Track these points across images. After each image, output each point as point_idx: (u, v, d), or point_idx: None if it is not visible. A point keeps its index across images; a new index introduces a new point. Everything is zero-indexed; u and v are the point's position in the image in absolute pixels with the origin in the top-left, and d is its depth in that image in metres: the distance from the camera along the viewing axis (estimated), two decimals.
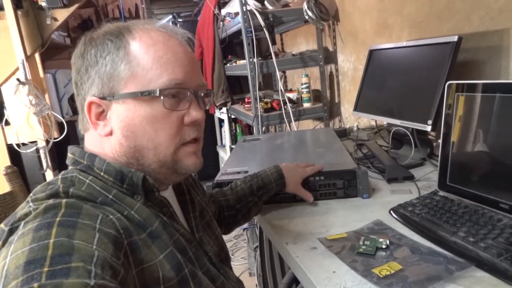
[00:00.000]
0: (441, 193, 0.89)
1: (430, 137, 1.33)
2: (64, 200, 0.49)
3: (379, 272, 0.64)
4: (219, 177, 1.07)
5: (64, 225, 0.45)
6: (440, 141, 0.93)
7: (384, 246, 0.72)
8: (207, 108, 0.65)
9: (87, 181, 0.55)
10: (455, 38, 1.05)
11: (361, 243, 0.73)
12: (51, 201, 0.49)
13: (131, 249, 0.50)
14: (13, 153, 2.15)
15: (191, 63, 0.61)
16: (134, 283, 0.49)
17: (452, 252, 0.67)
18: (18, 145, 2.10)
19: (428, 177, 1.08)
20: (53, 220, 0.45)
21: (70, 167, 0.59)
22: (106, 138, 0.58)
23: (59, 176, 0.56)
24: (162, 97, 0.56)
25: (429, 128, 1.08)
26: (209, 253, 0.66)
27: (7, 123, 2.15)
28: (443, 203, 0.84)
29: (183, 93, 0.59)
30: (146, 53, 0.57)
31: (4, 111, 2.12)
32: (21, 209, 0.49)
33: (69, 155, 0.60)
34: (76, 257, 0.41)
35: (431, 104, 1.07)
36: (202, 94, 0.62)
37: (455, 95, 0.88)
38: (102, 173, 0.56)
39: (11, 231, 0.46)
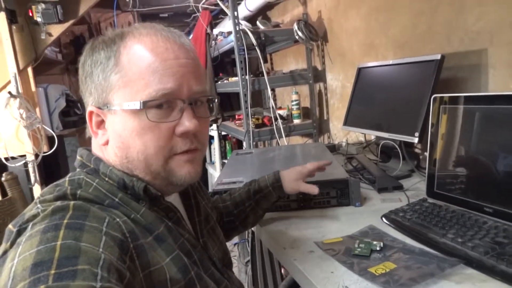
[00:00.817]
0: (430, 200, 0.94)
1: (416, 150, 1.39)
2: (72, 202, 0.49)
3: (375, 271, 0.67)
4: (215, 187, 1.10)
5: (71, 227, 0.45)
6: (426, 153, 0.99)
7: (378, 248, 0.75)
8: (211, 115, 0.64)
9: (94, 183, 0.56)
10: (438, 56, 1.12)
11: (356, 245, 0.76)
12: (58, 203, 0.49)
13: (137, 253, 0.50)
14: (0, 167, 2.12)
15: (184, 70, 0.57)
16: (142, 287, 0.49)
17: (442, 252, 0.71)
18: (6, 158, 2.07)
19: (416, 187, 1.13)
20: (60, 222, 0.45)
21: (77, 170, 0.60)
22: (104, 147, 0.59)
23: (67, 178, 0.57)
24: (145, 110, 0.54)
25: (416, 140, 1.14)
26: (213, 258, 0.67)
27: None
28: (432, 208, 0.88)
29: (173, 103, 0.57)
30: (135, 62, 0.55)
31: None
32: (29, 211, 0.49)
33: (77, 157, 0.61)
34: (82, 260, 0.41)
35: (417, 117, 1.13)
36: (200, 102, 0.60)
37: (439, 108, 0.94)
38: (106, 178, 0.57)
39: (19, 233, 0.46)
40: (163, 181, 0.59)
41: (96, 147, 0.62)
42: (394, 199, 1.06)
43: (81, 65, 0.60)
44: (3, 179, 0.84)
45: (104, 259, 0.43)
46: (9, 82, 2.02)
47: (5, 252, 0.45)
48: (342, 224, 0.92)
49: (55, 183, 0.56)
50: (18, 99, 1.99)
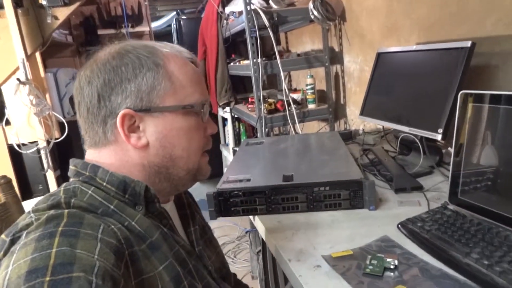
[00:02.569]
0: (452, 206, 0.85)
1: (439, 144, 1.29)
2: (66, 210, 0.49)
3: None
4: (220, 186, 1.04)
5: (66, 234, 0.45)
6: (450, 149, 0.89)
7: (392, 267, 0.68)
8: None
9: (89, 192, 0.55)
10: (468, 44, 1.00)
11: (368, 262, 0.70)
12: (52, 212, 0.49)
13: (132, 260, 0.50)
14: (15, 153, 2.13)
15: (205, 83, 0.68)
16: None
17: (465, 275, 0.64)
18: (18, 145, 2.07)
19: (437, 187, 1.04)
20: (55, 230, 0.45)
21: (71, 179, 0.59)
22: (136, 150, 0.59)
23: (61, 188, 0.56)
24: (201, 111, 0.63)
25: (439, 137, 1.04)
26: (209, 267, 0.66)
27: (7, 123, 2.13)
28: (454, 219, 0.80)
29: (206, 109, 0.65)
30: (181, 72, 0.61)
31: (5, 110, 2.10)
32: (22, 220, 0.50)
33: (70, 167, 0.60)
34: (77, 267, 0.42)
35: (441, 112, 1.03)
36: None
37: (467, 105, 0.83)
38: (104, 184, 0.57)
39: (13, 242, 0.46)
40: (191, 176, 0.65)
41: (114, 155, 0.60)
42: (412, 201, 0.98)
43: (111, 69, 0.58)
44: None
45: (99, 267, 0.43)
46: (17, 68, 1.99)
47: None
48: (354, 231, 0.85)
49: (50, 192, 0.56)
50: (27, 86, 1.96)
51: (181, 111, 0.61)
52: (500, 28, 1.07)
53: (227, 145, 3.40)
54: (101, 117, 0.58)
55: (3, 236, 0.48)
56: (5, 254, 0.45)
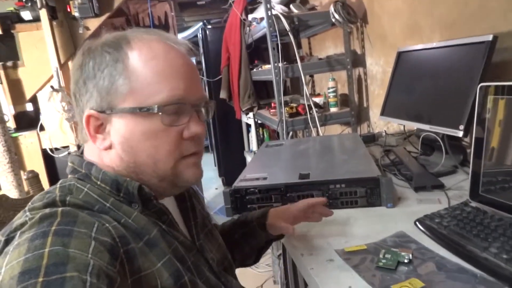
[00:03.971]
0: (473, 203, 0.82)
1: (463, 143, 1.25)
2: (60, 209, 0.48)
3: None
4: (237, 183, 1.05)
5: (59, 233, 0.44)
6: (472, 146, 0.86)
7: (406, 261, 0.67)
8: (209, 118, 0.65)
9: (85, 189, 0.54)
10: (490, 37, 0.97)
11: (381, 256, 0.69)
12: (47, 210, 0.48)
13: (128, 258, 0.49)
14: (48, 157, 2.25)
15: (191, 76, 0.58)
16: None
17: (483, 269, 0.61)
18: (51, 150, 2.19)
19: (460, 186, 1.01)
20: (48, 229, 0.45)
21: (69, 176, 0.59)
22: (105, 152, 0.57)
23: (58, 185, 0.56)
24: (160, 114, 0.54)
25: (461, 134, 1.01)
26: (210, 261, 0.65)
27: (42, 128, 2.26)
28: (474, 214, 0.77)
29: (183, 108, 0.57)
30: (145, 67, 0.55)
31: (40, 117, 2.23)
32: (18, 219, 0.49)
33: (68, 163, 0.60)
34: (71, 267, 0.41)
35: (463, 108, 1.00)
36: (203, 107, 0.61)
37: (487, 98, 0.81)
38: (99, 182, 0.56)
39: (7, 242, 0.46)
40: (169, 183, 0.59)
41: (90, 152, 0.59)
42: (432, 199, 0.95)
43: (78, 67, 0.57)
44: (24, 177, 0.86)
45: (93, 265, 0.42)
46: (51, 76, 2.11)
47: None
48: (370, 228, 0.84)
49: (46, 190, 0.56)
50: (60, 93, 2.08)
51: (141, 113, 0.55)
52: None
53: (251, 151, 3.42)
54: (78, 115, 0.58)
55: None
56: None
